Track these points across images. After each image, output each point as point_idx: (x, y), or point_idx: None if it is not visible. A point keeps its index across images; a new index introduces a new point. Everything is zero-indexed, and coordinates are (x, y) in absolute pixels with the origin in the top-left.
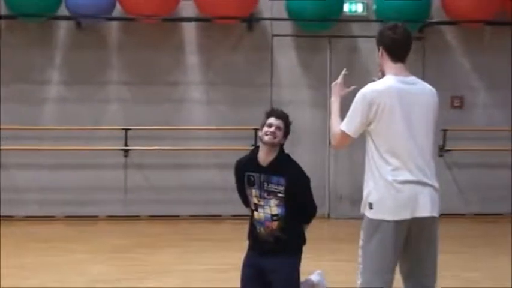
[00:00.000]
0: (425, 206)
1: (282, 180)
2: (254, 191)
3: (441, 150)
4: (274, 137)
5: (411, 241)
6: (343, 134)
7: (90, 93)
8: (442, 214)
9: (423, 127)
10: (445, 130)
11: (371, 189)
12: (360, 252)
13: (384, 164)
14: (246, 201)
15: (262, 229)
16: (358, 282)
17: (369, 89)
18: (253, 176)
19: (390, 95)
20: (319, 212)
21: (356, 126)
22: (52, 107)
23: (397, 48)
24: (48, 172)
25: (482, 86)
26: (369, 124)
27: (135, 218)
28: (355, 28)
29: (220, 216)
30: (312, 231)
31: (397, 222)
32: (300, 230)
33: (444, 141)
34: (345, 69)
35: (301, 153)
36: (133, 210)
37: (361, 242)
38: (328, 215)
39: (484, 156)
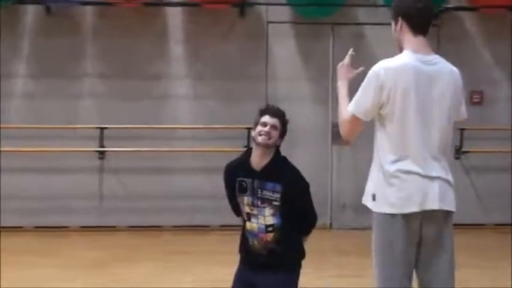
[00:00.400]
0: (434, 198)
1: (278, 187)
2: (246, 199)
3: (458, 152)
4: (269, 138)
5: (421, 241)
6: (353, 118)
7: (61, 87)
8: (458, 224)
9: (439, 115)
10: (462, 129)
11: (375, 179)
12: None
13: (391, 154)
14: (237, 209)
15: (255, 241)
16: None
17: (383, 65)
18: (245, 182)
19: (406, 75)
20: (320, 221)
21: (367, 108)
22: (17, 102)
23: (420, 17)
24: (13, 177)
25: (505, 79)
26: (381, 107)
27: (112, 228)
28: (361, 14)
29: (207, 227)
30: (312, 243)
31: (404, 216)
32: (299, 243)
33: (461, 142)
34: (351, 49)
35: (299, 156)
36: (109, 220)
37: (372, 239)
38: (331, 224)
39: (506, 159)
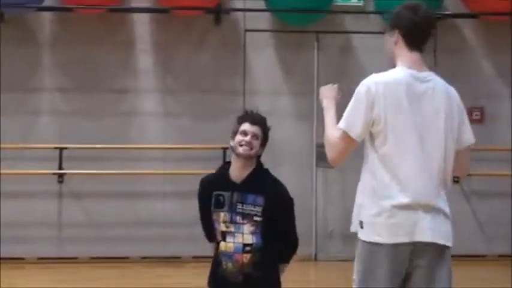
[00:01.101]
0: (427, 230)
1: (260, 200)
2: (223, 215)
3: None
4: (251, 148)
5: (411, 275)
6: (345, 137)
7: (16, 103)
8: (457, 255)
9: (434, 137)
10: None
11: (364, 205)
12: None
13: (380, 178)
14: (210, 231)
15: (229, 264)
16: None
17: (373, 80)
18: (222, 196)
19: (397, 91)
20: (304, 252)
21: (359, 126)
22: None
23: (418, 33)
24: None
25: (508, 94)
26: (372, 124)
27: (73, 260)
28: (349, 22)
29: (179, 258)
30: (294, 276)
31: (393, 246)
32: (277, 272)
33: None
34: (336, 85)
35: (281, 178)
36: (70, 250)
37: (354, 270)
38: (315, 256)
39: (510, 183)
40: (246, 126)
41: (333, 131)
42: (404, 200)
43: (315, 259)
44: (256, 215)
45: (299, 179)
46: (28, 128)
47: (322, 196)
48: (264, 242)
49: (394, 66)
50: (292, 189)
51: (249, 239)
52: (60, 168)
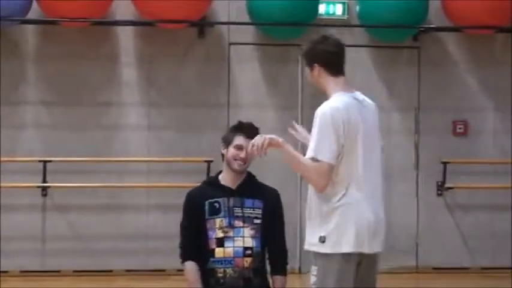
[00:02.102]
0: (379, 241)
1: (259, 203)
2: (219, 221)
3: (440, 188)
4: (245, 163)
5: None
6: (329, 167)
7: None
8: (441, 267)
9: (377, 150)
10: (445, 163)
11: (325, 220)
12: None
13: (342, 191)
14: (190, 248)
15: (228, 271)
16: None
17: (328, 106)
18: (218, 203)
19: (352, 111)
20: (288, 266)
21: (333, 149)
22: None
23: (336, 60)
24: None
25: (492, 107)
26: (342, 146)
27: (56, 273)
28: (333, 34)
29: (163, 271)
30: None
31: (357, 255)
32: (268, 283)
33: (444, 177)
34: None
35: None
36: (53, 263)
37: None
38: (300, 269)
39: (493, 196)
40: (241, 141)
41: (309, 166)
42: (365, 206)
43: (299, 272)
44: (256, 218)
45: (284, 192)
46: (12, 141)
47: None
48: (262, 250)
49: (324, 93)
50: None
51: (250, 242)
52: (44, 181)
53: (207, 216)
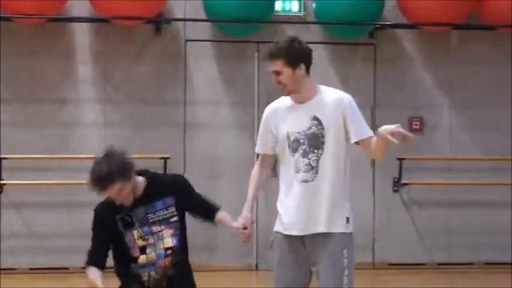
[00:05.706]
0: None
1: (169, 200)
2: (136, 232)
3: (396, 184)
4: (127, 197)
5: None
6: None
7: None
8: (398, 264)
9: None
10: (400, 159)
11: (346, 203)
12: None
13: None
14: (99, 261)
15: (153, 273)
16: None
17: (346, 94)
18: (128, 216)
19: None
20: (245, 262)
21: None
22: None
23: (311, 60)
24: None
25: (447, 104)
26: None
27: (11, 271)
28: (290, 31)
29: None
30: (236, 285)
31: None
32: (191, 271)
33: (400, 173)
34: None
35: (222, 188)
36: (8, 261)
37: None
38: (256, 265)
39: (449, 191)
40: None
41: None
42: None
43: (256, 268)
44: (172, 216)
45: (240, 189)
46: None
47: (263, 206)
48: (181, 242)
49: (290, 93)
50: (233, 200)
51: (170, 241)
52: (0, 178)
53: (122, 230)
